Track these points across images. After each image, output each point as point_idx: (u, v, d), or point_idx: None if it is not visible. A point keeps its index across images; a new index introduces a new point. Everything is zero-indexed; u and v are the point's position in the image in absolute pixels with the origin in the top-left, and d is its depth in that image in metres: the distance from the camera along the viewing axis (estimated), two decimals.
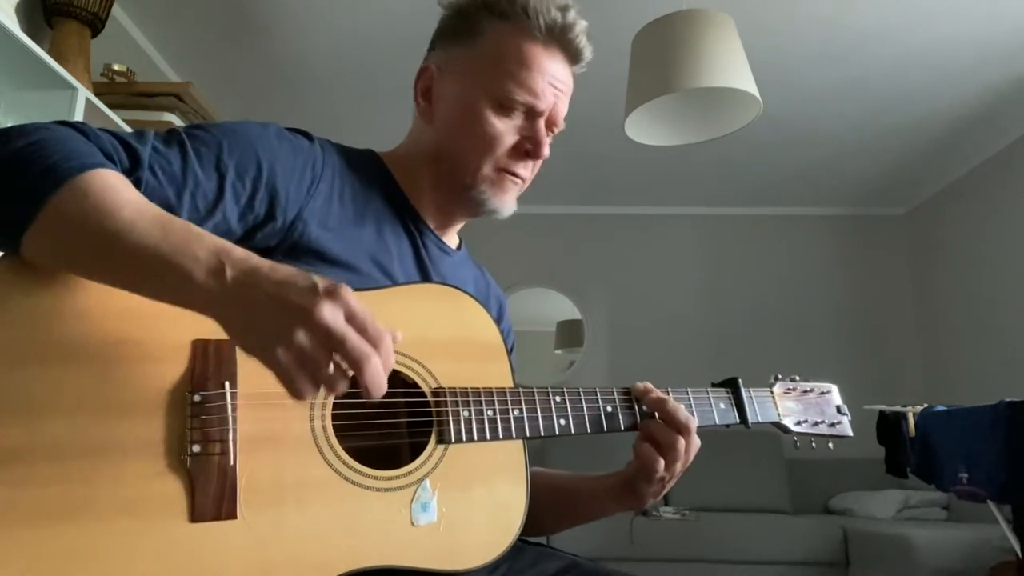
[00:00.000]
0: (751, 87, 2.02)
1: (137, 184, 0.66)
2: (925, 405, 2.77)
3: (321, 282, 0.56)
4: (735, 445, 3.95)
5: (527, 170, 0.91)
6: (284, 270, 0.58)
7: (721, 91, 2.12)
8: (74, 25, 2.10)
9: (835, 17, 2.68)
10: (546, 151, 0.90)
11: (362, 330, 0.56)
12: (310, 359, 0.55)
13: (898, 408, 2.84)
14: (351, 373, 0.56)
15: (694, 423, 0.85)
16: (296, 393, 0.56)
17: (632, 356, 4.44)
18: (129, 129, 2.14)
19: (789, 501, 3.83)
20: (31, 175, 0.58)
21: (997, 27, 2.74)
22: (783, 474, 3.89)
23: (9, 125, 0.66)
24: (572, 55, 0.91)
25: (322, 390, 0.57)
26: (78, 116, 1.89)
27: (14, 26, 1.73)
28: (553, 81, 0.88)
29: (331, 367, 0.55)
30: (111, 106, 2.09)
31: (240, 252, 0.59)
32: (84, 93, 1.91)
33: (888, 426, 2.87)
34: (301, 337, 0.54)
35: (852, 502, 3.75)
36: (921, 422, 2.71)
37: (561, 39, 0.88)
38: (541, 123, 0.89)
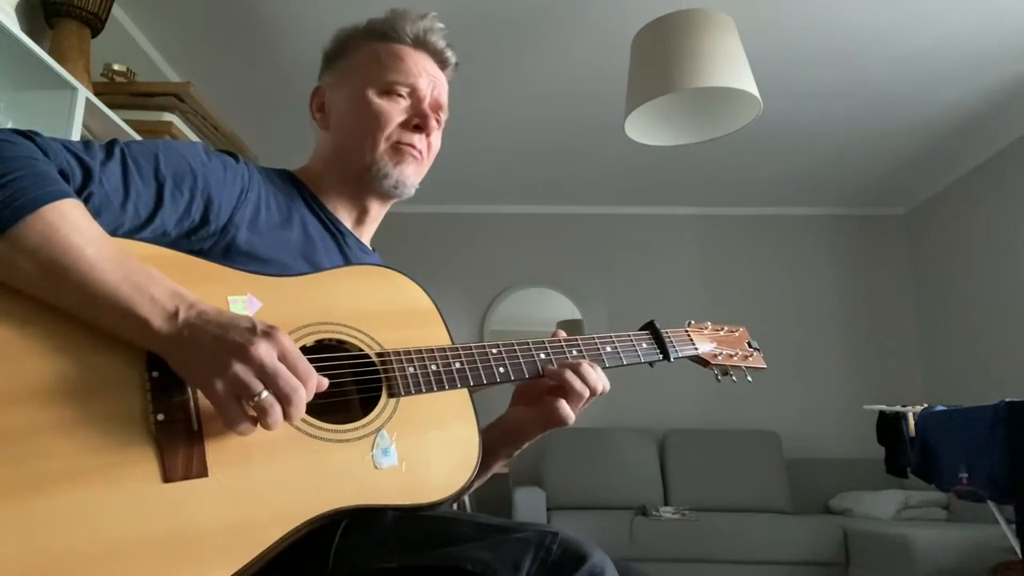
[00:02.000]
0: (751, 87, 2.02)
1: (89, 197, 0.71)
2: (925, 405, 2.77)
3: (260, 324, 0.65)
4: (735, 445, 3.96)
5: (421, 143, 1.00)
6: (229, 314, 0.67)
7: (721, 91, 2.12)
8: (74, 25, 2.10)
9: (835, 17, 2.68)
10: (433, 125, 1.00)
11: (293, 368, 0.65)
12: (244, 388, 0.63)
13: (898, 408, 2.84)
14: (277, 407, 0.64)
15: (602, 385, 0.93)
16: (229, 423, 0.64)
17: None
18: (128, 128, 2.13)
19: (789, 501, 3.83)
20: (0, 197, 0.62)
21: (997, 27, 2.74)
22: (783, 474, 3.89)
23: (8, 126, 0.67)
24: (437, 55, 1.02)
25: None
26: (78, 116, 1.89)
27: (14, 26, 1.73)
28: (428, 70, 1.00)
29: (262, 395, 0.63)
30: (111, 106, 2.09)
31: (191, 296, 0.67)
32: (84, 93, 1.91)
33: (888, 426, 2.87)
34: (238, 369, 0.63)
35: (852, 502, 3.75)
36: (921, 422, 2.71)
37: (426, 44, 1.01)
38: (424, 104, 0.99)
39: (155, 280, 0.66)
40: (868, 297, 4.52)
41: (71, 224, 0.64)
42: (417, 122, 0.98)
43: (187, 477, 0.64)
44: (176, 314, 0.65)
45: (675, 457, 3.96)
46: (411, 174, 0.99)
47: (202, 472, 0.65)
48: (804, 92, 3.21)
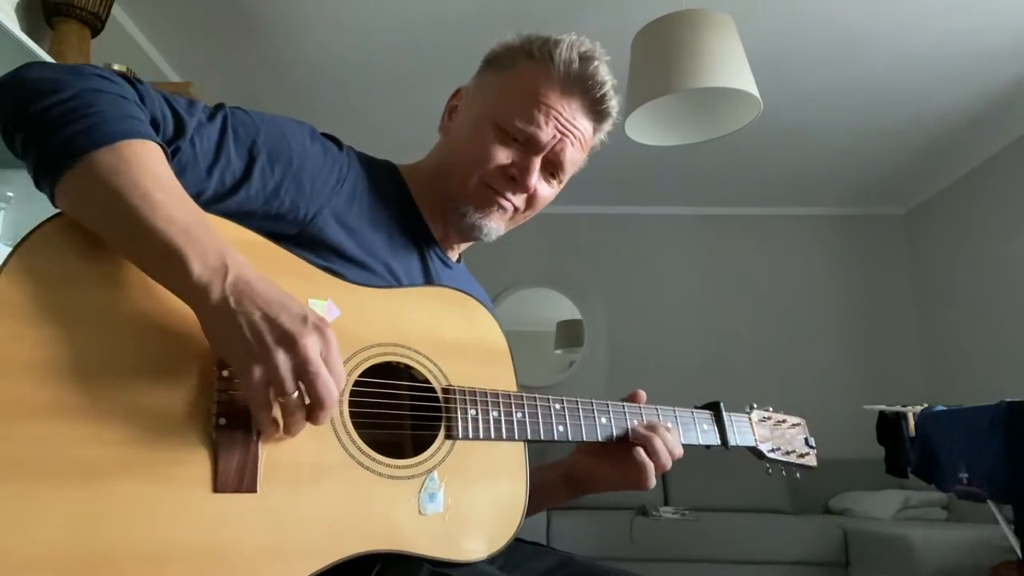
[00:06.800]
0: (751, 87, 2.02)
1: (176, 152, 0.69)
2: (925, 405, 2.78)
3: (311, 315, 0.61)
4: None
5: (516, 198, 0.92)
6: (280, 290, 0.62)
7: (721, 91, 2.12)
8: (74, 25, 2.10)
9: (835, 17, 2.68)
10: (533, 182, 0.89)
11: (331, 370, 0.61)
12: (280, 381, 0.59)
13: (898, 408, 2.84)
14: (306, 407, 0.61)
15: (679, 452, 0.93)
16: (257, 409, 0.61)
17: (632, 356, 4.44)
18: None
19: (789, 501, 3.82)
20: (81, 125, 0.61)
21: (997, 27, 2.74)
22: (783, 474, 3.88)
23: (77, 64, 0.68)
24: (589, 104, 0.90)
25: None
26: None
27: (14, 26, 1.73)
28: (562, 121, 0.88)
29: (293, 396, 0.60)
30: None
31: (240, 257, 0.62)
32: None
33: (888, 426, 2.87)
34: (281, 359, 0.58)
35: (852, 502, 3.75)
36: (921, 422, 2.71)
37: (579, 86, 0.89)
38: (537, 158, 0.89)
39: (211, 235, 0.62)
40: (868, 297, 4.52)
41: (145, 160, 0.62)
42: (514, 173, 0.89)
43: (237, 490, 0.62)
44: (225, 273, 0.60)
45: None
46: (493, 223, 0.92)
47: (252, 487, 0.62)
48: (804, 92, 3.21)
